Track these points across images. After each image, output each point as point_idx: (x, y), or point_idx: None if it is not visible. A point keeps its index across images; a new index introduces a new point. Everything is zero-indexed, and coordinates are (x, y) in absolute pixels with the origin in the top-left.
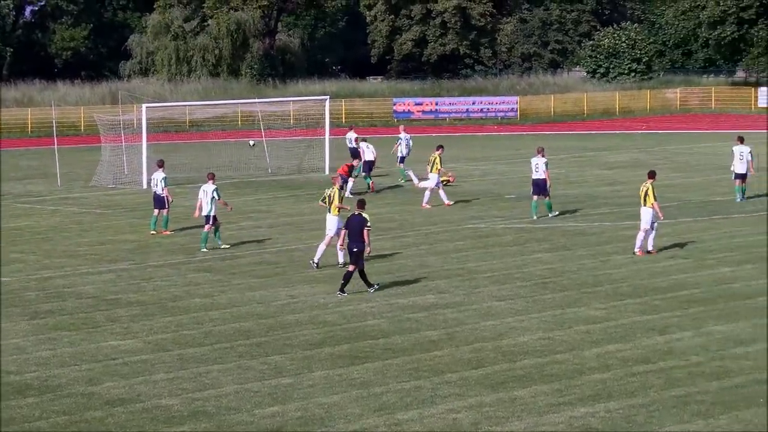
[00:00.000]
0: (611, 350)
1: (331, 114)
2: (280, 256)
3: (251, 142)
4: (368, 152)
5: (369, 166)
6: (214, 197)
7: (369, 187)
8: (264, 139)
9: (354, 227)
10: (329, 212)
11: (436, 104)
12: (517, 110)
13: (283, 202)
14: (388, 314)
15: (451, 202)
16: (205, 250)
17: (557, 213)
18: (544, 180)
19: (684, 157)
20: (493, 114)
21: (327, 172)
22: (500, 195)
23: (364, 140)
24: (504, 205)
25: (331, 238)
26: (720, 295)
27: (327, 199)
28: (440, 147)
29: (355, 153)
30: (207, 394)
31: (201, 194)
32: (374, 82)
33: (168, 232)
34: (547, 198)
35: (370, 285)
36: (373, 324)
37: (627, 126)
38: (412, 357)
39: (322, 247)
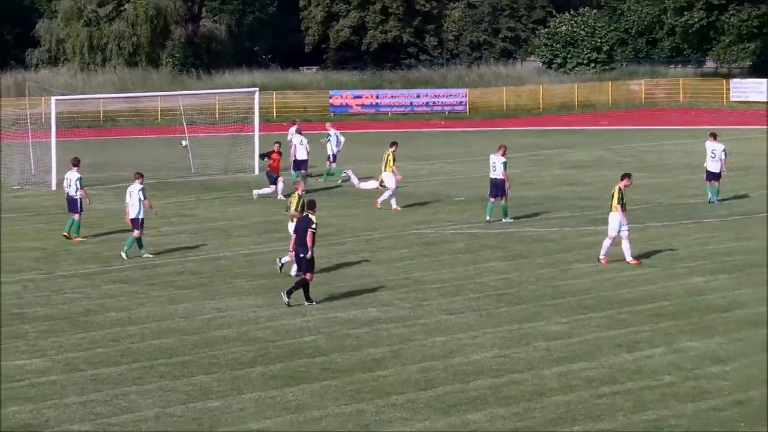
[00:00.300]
0: (575, 369)
1: (261, 108)
2: (205, 264)
3: (183, 142)
4: (301, 149)
5: (300, 164)
6: (140, 198)
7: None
8: (187, 135)
9: (300, 231)
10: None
11: (377, 97)
12: (466, 104)
13: (208, 205)
14: (326, 330)
15: (399, 208)
16: (125, 257)
17: (511, 220)
18: (503, 180)
19: (651, 156)
20: (439, 108)
21: (257, 171)
22: (449, 197)
23: (299, 132)
24: (453, 209)
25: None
26: (693, 307)
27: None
28: (394, 144)
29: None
30: (124, 419)
31: (127, 196)
32: (308, 73)
33: (80, 239)
34: (504, 200)
35: (309, 299)
36: (310, 341)
37: (588, 121)
38: (354, 377)
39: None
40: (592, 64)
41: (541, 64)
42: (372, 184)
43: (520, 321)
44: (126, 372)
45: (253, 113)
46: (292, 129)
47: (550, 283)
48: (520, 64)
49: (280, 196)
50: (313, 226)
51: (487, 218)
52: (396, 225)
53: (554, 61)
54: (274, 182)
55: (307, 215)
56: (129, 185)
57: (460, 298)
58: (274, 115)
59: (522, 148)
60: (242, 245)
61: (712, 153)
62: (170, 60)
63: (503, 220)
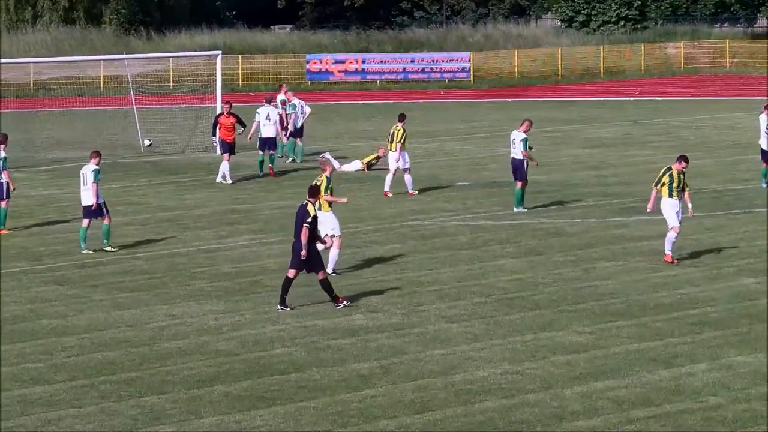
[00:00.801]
0: (600, 388)
1: (224, 75)
2: (157, 262)
3: (147, 141)
4: (269, 125)
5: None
6: (91, 181)
7: (266, 170)
8: (135, 107)
9: (296, 221)
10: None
11: (363, 62)
12: (469, 70)
13: (161, 191)
14: (303, 340)
15: (390, 193)
16: (87, 251)
17: (525, 210)
18: (521, 161)
19: (690, 132)
20: (438, 75)
21: (218, 151)
22: (450, 182)
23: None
24: (455, 196)
25: (338, 238)
26: (742, 314)
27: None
28: (403, 116)
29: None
30: None
31: (81, 180)
32: (281, 34)
33: (6, 231)
34: (520, 185)
35: (282, 302)
36: (283, 354)
37: (615, 91)
38: (335, 398)
39: (334, 252)
40: (621, 23)
41: (559, 23)
42: (355, 165)
43: (534, 330)
44: (61, 392)
45: (215, 81)
46: (280, 96)
47: (571, 284)
48: (535, 22)
49: (220, 178)
50: (309, 219)
51: (515, 209)
52: (386, 215)
53: (575, 18)
54: (227, 152)
55: (305, 204)
56: (83, 166)
57: (463, 302)
58: (240, 83)
59: (536, 124)
60: (201, 239)
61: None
62: (114, 18)
63: (515, 209)
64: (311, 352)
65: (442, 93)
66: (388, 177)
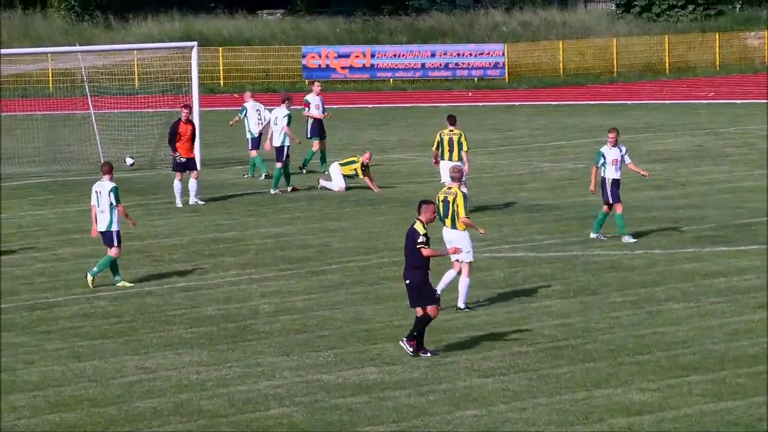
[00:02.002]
0: None
1: (202, 71)
2: (125, 303)
3: (129, 161)
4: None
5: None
6: (111, 203)
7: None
8: (92, 111)
9: (406, 245)
10: (445, 226)
11: (372, 56)
12: (503, 66)
13: (129, 211)
14: (304, 398)
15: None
16: (90, 280)
17: (633, 239)
18: (618, 180)
19: None
20: (464, 73)
21: (199, 166)
22: (481, 205)
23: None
24: (488, 222)
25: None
26: None
27: (443, 208)
28: (453, 119)
29: (319, 129)
30: None
31: (94, 198)
32: (271, 21)
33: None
34: (620, 209)
35: (420, 347)
36: (280, 415)
37: (683, 92)
38: None
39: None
40: (691, 8)
41: (614, 8)
42: (337, 181)
43: (587, 386)
44: None
45: (190, 79)
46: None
47: (632, 331)
48: (584, 7)
49: (178, 201)
50: (419, 239)
51: (594, 235)
52: (402, 245)
53: (634, 2)
54: (178, 169)
55: (413, 223)
56: (96, 182)
57: (500, 352)
58: (221, 82)
59: (585, 132)
60: (178, 275)
61: None
62: (64, 1)
63: (624, 239)
64: (314, 413)
65: (470, 94)
66: None
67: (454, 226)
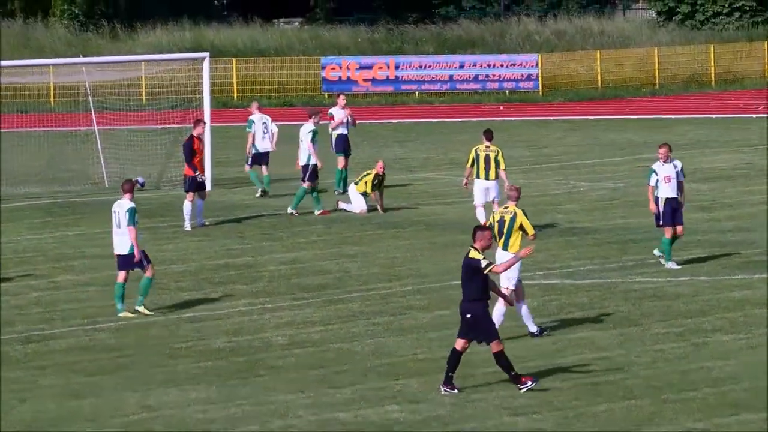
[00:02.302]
0: None
1: (214, 84)
2: (127, 335)
3: (140, 180)
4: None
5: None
6: (130, 225)
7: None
8: (96, 127)
9: (463, 277)
10: (499, 247)
11: (396, 68)
12: (537, 78)
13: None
14: None
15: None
16: (124, 314)
17: (676, 265)
18: (674, 200)
19: None
20: (495, 85)
21: (209, 186)
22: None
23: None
24: (520, 245)
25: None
26: None
27: (498, 228)
28: (490, 134)
29: (343, 145)
30: None
31: (114, 219)
32: (288, 30)
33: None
34: (680, 231)
35: (517, 379)
36: None
37: (731, 105)
38: None
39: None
40: (737, 15)
41: (655, 15)
42: (358, 204)
43: (628, 426)
44: None
45: (202, 93)
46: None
47: (676, 365)
48: (622, 15)
49: (188, 224)
50: (483, 262)
51: (666, 264)
52: (429, 271)
53: (677, 10)
54: (192, 189)
55: (470, 251)
56: (115, 201)
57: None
58: (235, 95)
59: (626, 149)
60: (185, 304)
61: None
62: (67, 10)
63: (668, 265)
64: None
65: (501, 108)
66: (481, 214)
67: (506, 247)
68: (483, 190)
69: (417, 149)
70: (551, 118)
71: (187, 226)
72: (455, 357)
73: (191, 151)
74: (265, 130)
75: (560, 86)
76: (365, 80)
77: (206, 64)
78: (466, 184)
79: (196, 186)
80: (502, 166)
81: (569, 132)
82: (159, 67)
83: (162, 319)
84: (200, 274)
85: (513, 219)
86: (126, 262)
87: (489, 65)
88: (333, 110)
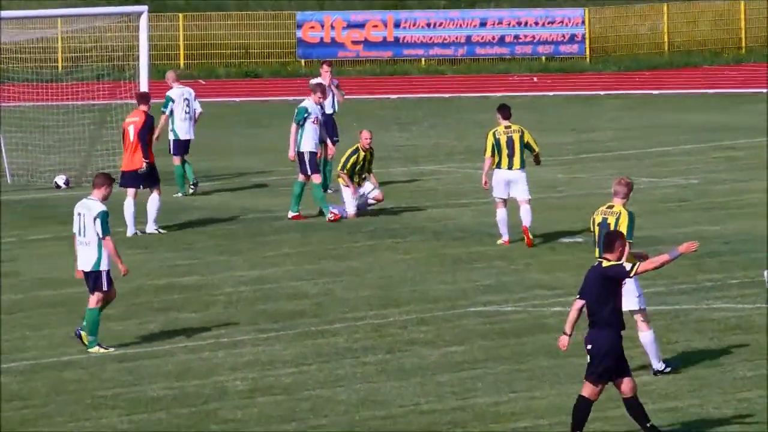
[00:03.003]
0: None
1: (153, 47)
2: (34, 379)
3: (61, 178)
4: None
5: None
6: (98, 234)
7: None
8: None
9: (592, 291)
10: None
11: (396, 27)
12: (583, 40)
13: (42, 252)
14: None
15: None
16: (98, 349)
17: None
18: None
19: None
20: (527, 49)
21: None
22: (550, 236)
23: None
24: (558, 261)
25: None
26: None
27: (600, 233)
28: (507, 110)
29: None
30: None
31: (75, 223)
32: None
33: None
34: None
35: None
36: None
37: None
38: None
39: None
40: None
41: None
42: (349, 202)
43: None
44: None
45: (137, 59)
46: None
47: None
48: None
49: (131, 229)
50: (628, 266)
51: None
52: (437, 294)
53: None
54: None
55: (602, 260)
56: (78, 201)
57: None
58: (181, 62)
59: (701, 133)
60: (114, 337)
61: None
62: None
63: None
64: None
65: (535, 80)
66: (502, 215)
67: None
68: (505, 183)
69: (423, 134)
70: (601, 92)
71: (131, 231)
72: (583, 409)
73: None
74: (187, 110)
75: (614, 51)
76: (355, 43)
77: (143, 21)
78: (485, 183)
79: (129, 179)
80: (535, 148)
81: (625, 111)
82: (80, 24)
83: (82, 359)
84: (134, 299)
85: (617, 221)
86: (96, 281)
87: (519, 23)
88: (316, 81)
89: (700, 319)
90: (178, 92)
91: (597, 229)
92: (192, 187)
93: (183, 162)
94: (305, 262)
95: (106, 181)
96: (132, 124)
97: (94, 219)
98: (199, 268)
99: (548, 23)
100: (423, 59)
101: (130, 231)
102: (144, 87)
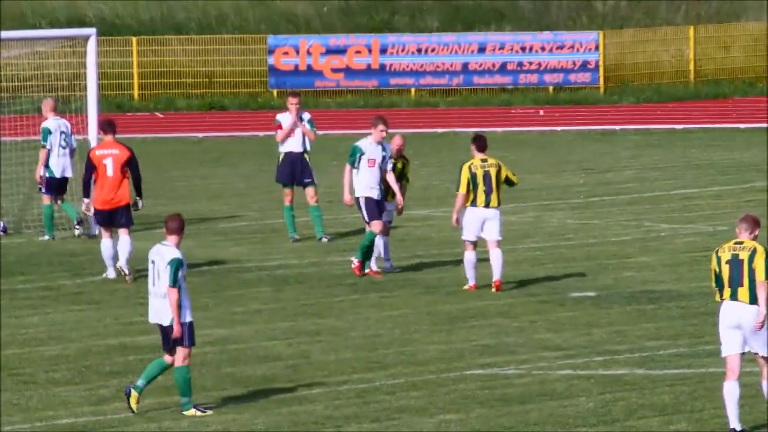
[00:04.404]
0: None
1: (104, 75)
2: None
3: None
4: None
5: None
6: (179, 283)
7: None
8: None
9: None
10: (736, 299)
11: (383, 51)
12: (596, 68)
13: None
14: None
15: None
16: (192, 411)
17: None
18: None
19: None
20: (533, 78)
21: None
22: (557, 289)
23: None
24: (569, 318)
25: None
26: None
27: (731, 272)
28: (482, 141)
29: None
30: None
31: (150, 274)
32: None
33: None
34: None
35: None
36: None
37: None
38: None
39: None
40: None
41: None
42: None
43: None
44: None
45: (85, 89)
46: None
47: None
48: None
49: (110, 272)
50: None
51: None
52: (431, 355)
53: None
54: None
55: None
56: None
57: None
58: (135, 92)
59: (733, 174)
60: (59, 406)
61: None
62: None
63: None
64: None
65: (541, 113)
66: (471, 258)
67: (753, 299)
68: (480, 222)
69: (413, 175)
70: (617, 127)
71: (110, 274)
72: None
73: (89, 167)
74: (64, 144)
75: (632, 80)
76: (335, 71)
77: (92, 46)
78: (456, 220)
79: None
80: (514, 181)
81: (644, 149)
82: (19, 50)
83: (25, 429)
84: (82, 361)
85: (752, 257)
86: (167, 335)
87: (523, 48)
88: (280, 116)
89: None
90: (55, 124)
91: (726, 267)
92: (77, 227)
93: (54, 202)
94: (278, 319)
95: (180, 225)
96: (110, 156)
97: (167, 266)
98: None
99: (557, 49)
100: (413, 89)
101: (111, 273)
102: (92, 120)
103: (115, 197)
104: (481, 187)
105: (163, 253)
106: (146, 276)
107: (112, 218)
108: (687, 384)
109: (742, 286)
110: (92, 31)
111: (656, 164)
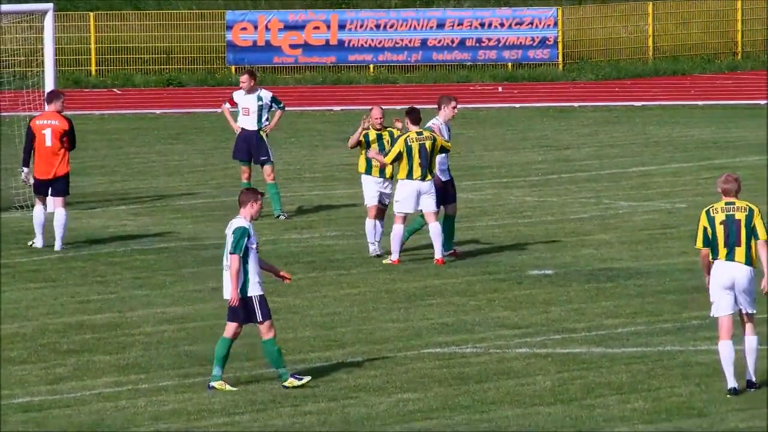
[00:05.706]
0: None
1: (61, 51)
2: None
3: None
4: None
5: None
6: (246, 254)
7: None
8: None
9: None
10: (732, 260)
11: (341, 27)
12: (555, 45)
13: None
14: None
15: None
16: (219, 383)
17: None
18: None
19: None
20: (492, 54)
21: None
22: (514, 267)
23: None
24: (526, 296)
25: None
26: None
27: (726, 231)
28: (416, 114)
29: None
30: None
31: (225, 252)
32: None
33: None
34: None
35: None
36: None
37: None
38: None
39: None
40: None
41: None
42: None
43: None
44: None
45: (42, 65)
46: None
47: None
48: None
49: (39, 239)
50: None
51: None
52: (389, 333)
53: None
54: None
55: None
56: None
57: None
58: (92, 68)
59: (691, 151)
60: (15, 385)
61: None
62: None
63: None
64: None
65: (499, 90)
66: (400, 231)
67: (749, 260)
68: (416, 195)
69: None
70: (575, 104)
71: (38, 241)
72: None
73: (28, 137)
74: None
75: (590, 56)
76: (293, 47)
77: (49, 21)
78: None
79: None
80: (448, 147)
81: (603, 125)
82: None
83: None
84: (40, 338)
85: (750, 217)
86: (234, 309)
87: (482, 24)
88: (236, 94)
89: (685, 363)
90: None
91: (721, 228)
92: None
93: None
94: None
95: (253, 196)
96: (49, 127)
97: (231, 234)
98: (114, 304)
99: (515, 25)
100: (371, 66)
101: (39, 242)
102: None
103: (52, 167)
104: (416, 160)
105: (232, 224)
106: (78, 249)
107: (49, 187)
108: (644, 362)
109: (739, 246)
110: (49, 6)
111: (615, 141)
